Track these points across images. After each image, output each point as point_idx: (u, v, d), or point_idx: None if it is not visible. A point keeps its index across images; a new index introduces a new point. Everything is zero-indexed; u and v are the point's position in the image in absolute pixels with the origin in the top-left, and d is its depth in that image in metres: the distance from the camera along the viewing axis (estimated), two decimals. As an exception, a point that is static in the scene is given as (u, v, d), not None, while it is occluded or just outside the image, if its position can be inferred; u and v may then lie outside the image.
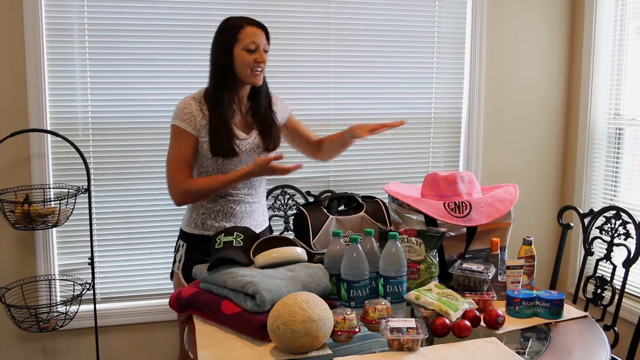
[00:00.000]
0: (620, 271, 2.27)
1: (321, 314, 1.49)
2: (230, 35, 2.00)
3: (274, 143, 2.13)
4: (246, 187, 2.10)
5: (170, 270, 2.20)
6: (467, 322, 1.62)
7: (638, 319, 2.20)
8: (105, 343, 2.72)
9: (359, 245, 1.73)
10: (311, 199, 2.76)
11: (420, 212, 2.02)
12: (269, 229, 2.31)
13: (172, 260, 2.20)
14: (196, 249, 2.09)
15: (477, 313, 1.69)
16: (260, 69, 2.03)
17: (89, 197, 2.54)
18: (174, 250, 2.19)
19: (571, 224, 2.48)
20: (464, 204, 2.01)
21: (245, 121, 2.10)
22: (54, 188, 2.55)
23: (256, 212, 2.17)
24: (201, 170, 2.07)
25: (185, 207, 2.16)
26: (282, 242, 1.95)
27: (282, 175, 2.12)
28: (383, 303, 1.65)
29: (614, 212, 2.37)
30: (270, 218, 2.71)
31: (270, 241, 1.95)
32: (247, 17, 2.05)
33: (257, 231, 2.14)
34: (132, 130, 2.65)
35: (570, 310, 1.82)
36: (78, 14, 2.53)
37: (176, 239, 2.20)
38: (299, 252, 1.89)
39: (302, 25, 2.79)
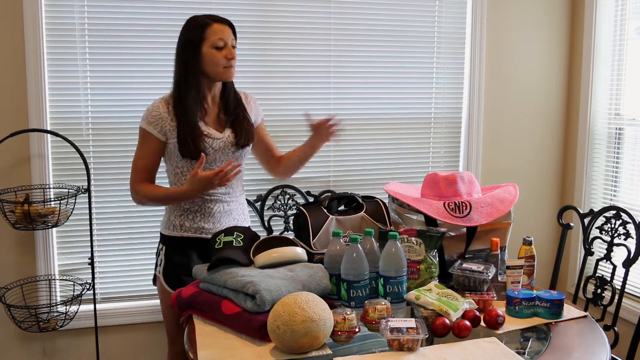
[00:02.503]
0: (620, 271, 2.27)
1: (321, 314, 1.49)
2: (197, 34, 1.98)
3: (246, 138, 2.10)
4: (222, 186, 2.07)
5: (152, 275, 2.19)
6: (467, 322, 1.62)
7: (638, 319, 2.20)
8: (105, 343, 2.72)
9: (359, 245, 1.73)
10: (311, 199, 2.76)
11: (420, 212, 2.02)
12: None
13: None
14: (175, 252, 2.10)
15: (477, 313, 1.70)
16: (232, 65, 2.01)
17: (89, 197, 2.54)
18: (155, 253, 2.18)
19: (571, 224, 2.48)
20: (464, 204, 2.01)
21: (218, 119, 2.08)
22: (54, 188, 2.55)
23: (235, 211, 2.16)
24: (176, 171, 2.07)
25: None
26: (282, 242, 1.95)
27: (223, 185, 1.98)
28: (383, 303, 1.65)
29: (614, 212, 2.37)
30: (270, 218, 2.72)
31: (270, 241, 1.95)
32: (211, 14, 2.03)
33: None
34: (132, 130, 2.64)
35: (570, 310, 1.82)
36: (78, 14, 2.53)
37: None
38: (299, 252, 1.89)
39: (302, 25, 2.79)
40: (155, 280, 2.17)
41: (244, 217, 2.21)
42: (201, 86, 2.04)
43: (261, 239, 1.96)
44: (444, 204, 2.01)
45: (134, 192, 2.05)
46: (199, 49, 1.98)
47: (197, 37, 1.98)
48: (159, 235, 2.58)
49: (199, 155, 1.97)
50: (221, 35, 1.98)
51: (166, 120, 2.01)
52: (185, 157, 2.00)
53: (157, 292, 2.70)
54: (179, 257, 2.09)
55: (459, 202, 2.02)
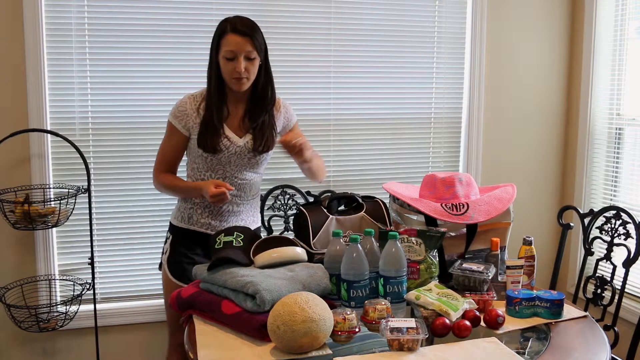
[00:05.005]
0: (620, 271, 2.27)
1: (321, 314, 1.49)
2: (215, 41, 2.02)
3: (264, 146, 2.10)
4: (235, 188, 2.10)
5: (159, 261, 2.25)
6: (467, 322, 1.62)
7: (638, 319, 2.20)
8: (105, 343, 2.72)
9: (359, 245, 1.73)
10: (311, 199, 2.75)
11: (418, 211, 2.02)
12: (259, 230, 2.33)
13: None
14: (181, 242, 2.15)
15: (477, 313, 1.69)
16: (241, 77, 1.99)
17: (89, 197, 2.54)
18: (164, 240, 2.25)
19: (571, 224, 2.48)
20: (461, 205, 2.01)
21: (241, 124, 2.10)
22: (54, 188, 2.55)
23: (244, 213, 2.19)
24: (193, 166, 2.13)
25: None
26: (282, 242, 1.95)
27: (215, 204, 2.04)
28: (383, 303, 1.65)
29: (614, 212, 2.37)
30: (270, 218, 2.72)
31: (270, 241, 1.95)
32: (237, 20, 2.00)
33: None
34: (132, 130, 2.65)
35: (570, 310, 1.82)
36: (78, 14, 2.53)
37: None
38: (299, 252, 1.89)
39: (302, 25, 2.79)
40: (160, 266, 2.22)
41: (253, 219, 2.24)
42: (225, 89, 2.06)
43: (261, 239, 1.96)
44: (442, 204, 2.01)
45: (155, 179, 2.14)
46: (216, 56, 2.02)
47: (214, 44, 2.02)
48: (160, 232, 2.57)
49: (212, 149, 2.03)
50: (232, 48, 1.96)
51: (191, 117, 2.05)
52: (200, 148, 2.05)
53: (156, 292, 2.70)
54: (184, 248, 2.14)
55: (456, 203, 2.02)
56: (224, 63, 1.99)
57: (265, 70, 2.09)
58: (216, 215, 2.13)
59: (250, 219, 2.22)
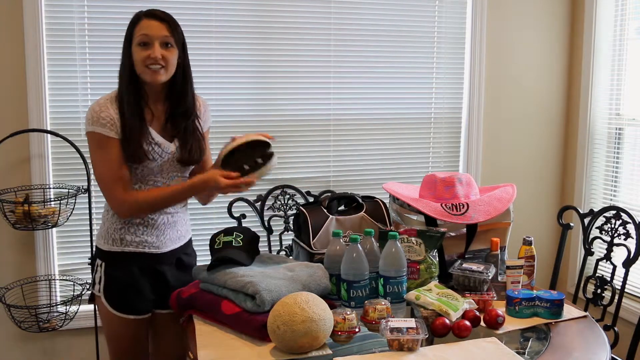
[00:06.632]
0: (620, 271, 2.27)
1: (321, 314, 1.49)
2: (128, 31, 1.80)
3: (189, 155, 1.87)
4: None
5: (89, 293, 1.99)
6: (467, 322, 1.62)
7: (638, 319, 2.20)
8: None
9: (359, 245, 1.73)
10: (311, 199, 2.75)
11: (418, 211, 2.02)
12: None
13: None
14: (116, 268, 1.89)
15: (477, 313, 1.70)
16: (158, 66, 1.77)
17: (89, 197, 2.54)
18: (90, 269, 1.97)
19: (571, 224, 2.48)
20: (461, 205, 2.02)
21: (166, 128, 1.86)
22: (54, 188, 2.55)
23: (179, 223, 1.97)
24: None
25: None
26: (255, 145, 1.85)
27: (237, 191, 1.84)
28: (383, 303, 1.65)
29: (614, 212, 2.37)
30: (270, 218, 2.72)
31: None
32: (151, 9, 1.82)
33: (181, 243, 1.98)
34: (132, 130, 2.64)
35: (570, 310, 1.82)
36: (78, 13, 2.53)
37: (90, 257, 1.96)
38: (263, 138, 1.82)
39: (302, 25, 2.79)
40: (93, 299, 1.95)
41: (186, 228, 2.03)
42: (140, 86, 1.82)
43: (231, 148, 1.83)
44: (442, 204, 2.01)
45: (126, 203, 1.80)
46: (129, 47, 1.80)
47: (127, 34, 1.80)
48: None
49: (142, 157, 1.78)
50: (146, 32, 1.76)
51: (116, 121, 1.78)
52: (130, 162, 1.79)
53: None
54: (120, 273, 1.88)
55: (456, 203, 2.02)
56: (138, 51, 1.76)
57: (183, 69, 1.86)
58: (152, 230, 1.89)
59: (185, 228, 2.00)
